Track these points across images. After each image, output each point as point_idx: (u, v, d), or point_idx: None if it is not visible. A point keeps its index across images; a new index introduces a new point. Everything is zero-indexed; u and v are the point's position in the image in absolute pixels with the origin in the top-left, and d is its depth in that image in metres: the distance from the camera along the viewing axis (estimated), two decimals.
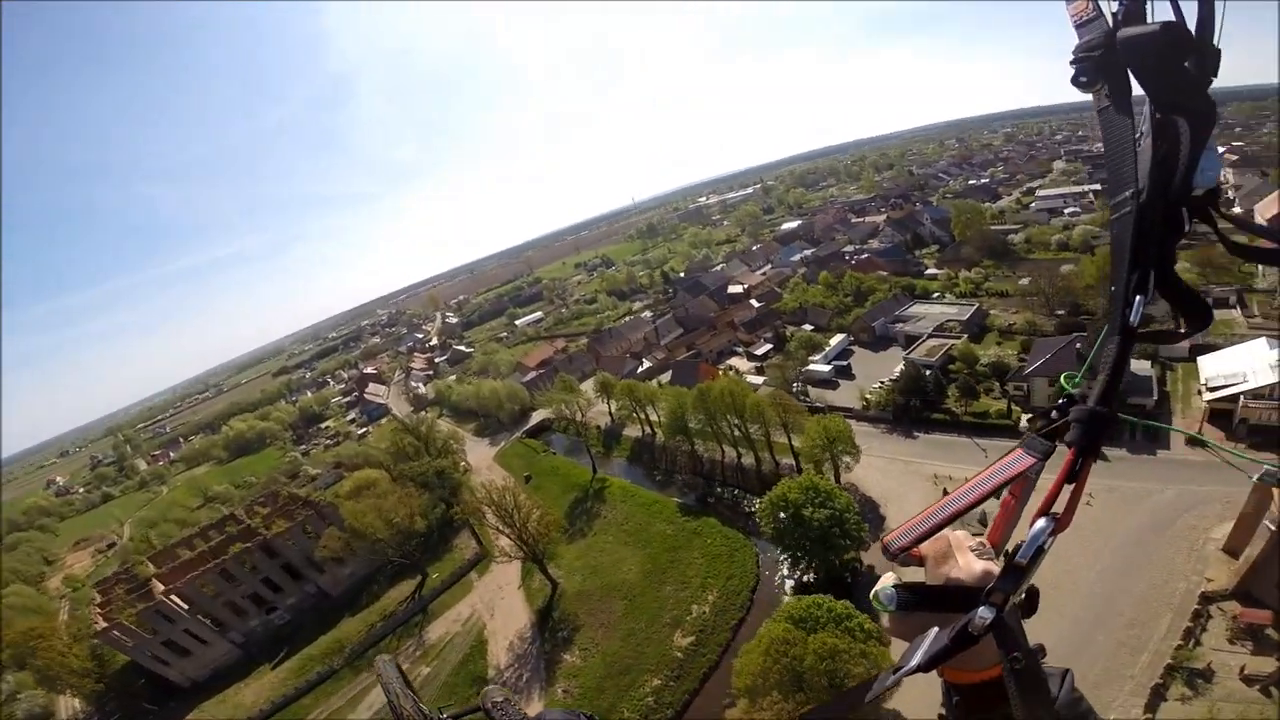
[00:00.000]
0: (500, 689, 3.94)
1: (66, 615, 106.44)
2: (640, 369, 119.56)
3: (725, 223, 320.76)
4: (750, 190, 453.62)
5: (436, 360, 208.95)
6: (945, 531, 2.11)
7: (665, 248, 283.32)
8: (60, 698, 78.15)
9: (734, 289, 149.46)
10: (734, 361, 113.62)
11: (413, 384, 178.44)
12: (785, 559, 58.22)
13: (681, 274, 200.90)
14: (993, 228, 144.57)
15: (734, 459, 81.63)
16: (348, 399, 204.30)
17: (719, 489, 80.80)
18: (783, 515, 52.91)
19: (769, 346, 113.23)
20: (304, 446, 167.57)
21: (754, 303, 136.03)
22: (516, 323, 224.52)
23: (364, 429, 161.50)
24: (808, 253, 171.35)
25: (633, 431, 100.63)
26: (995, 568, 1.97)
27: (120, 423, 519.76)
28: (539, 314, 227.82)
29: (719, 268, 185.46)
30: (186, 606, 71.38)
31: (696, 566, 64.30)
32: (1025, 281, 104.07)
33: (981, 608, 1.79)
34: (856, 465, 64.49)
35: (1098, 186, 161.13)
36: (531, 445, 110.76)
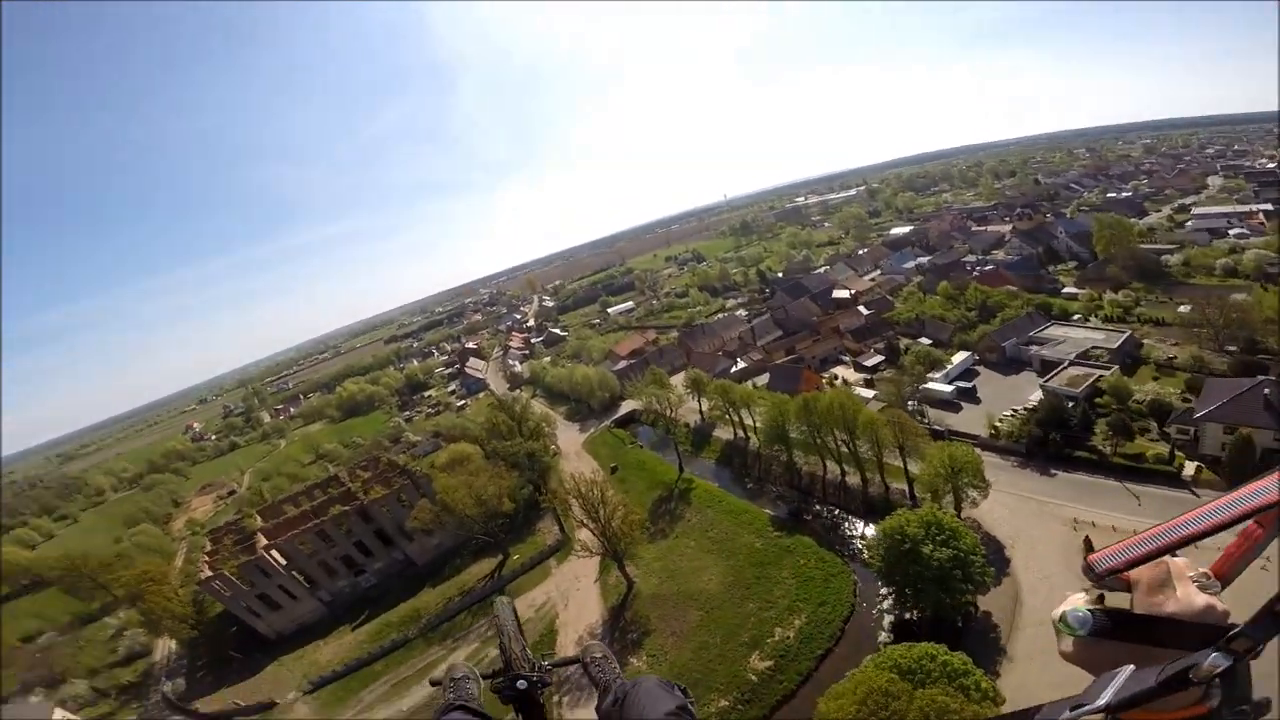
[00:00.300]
0: (600, 645, 4.12)
1: (182, 559, 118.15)
2: (734, 369, 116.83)
3: (826, 224, 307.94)
4: (853, 192, 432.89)
5: (532, 341, 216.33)
6: (1165, 558, 1.89)
7: (760, 246, 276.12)
8: (159, 640, 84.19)
9: (840, 293, 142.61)
10: (839, 371, 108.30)
11: (510, 362, 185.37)
12: (889, 593, 53.85)
13: (779, 274, 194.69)
14: (1143, 246, 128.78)
15: (836, 476, 77.53)
16: (449, 370, 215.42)
17: (817, 506, 76.59)
18: (903, 548, 48.96)
19: (880, 358, 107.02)
20: (407, 413, 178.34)
21: (862, 309, 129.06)
22: (608, 311, 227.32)
23: (463, 401, 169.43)
24: (923, 260, 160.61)
25: (724, 433, 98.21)
26: (1219, 605, 1.79)
27: (250, 376, 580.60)
28: (630, 304, 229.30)
29: (822, 270, 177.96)
30: (284, 562, 76.49)
31: (785, 586, 60.76)
32: (1187, 310, 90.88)
33: (1215, 653, 1.56)
34: (983, 500, 58.90)
35: (1268, 206, 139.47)
36: (619, 435, 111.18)
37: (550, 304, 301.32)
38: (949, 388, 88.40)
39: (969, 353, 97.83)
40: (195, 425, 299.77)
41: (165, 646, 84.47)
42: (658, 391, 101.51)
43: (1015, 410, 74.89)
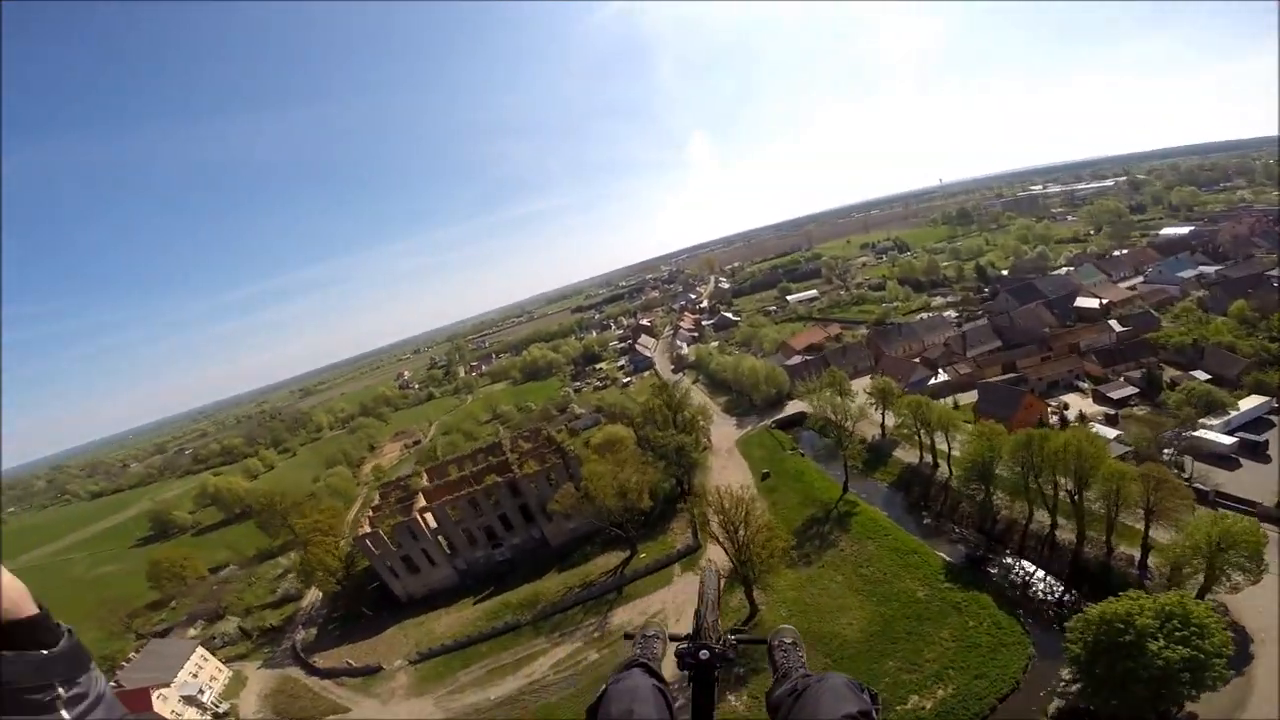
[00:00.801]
0: (792, 630, 4.02)
1: (357, 507, 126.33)
2: (933, 380, 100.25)
3: (1071, 218, 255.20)
4: (1110, 183, 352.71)
5: (704, 323, 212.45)
6: None
7: (982, 238, 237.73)
8: (310, 588, 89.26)
9: (1085, 302, 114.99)
10: (1073, 399, 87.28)
11: (678, 343, 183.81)
12: (1077, 680, 42.44)
13: (1004, 272, 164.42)
14: None
15: (1042, 526, 62.51)
16: (622, 345, 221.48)
17: (1008, 558, 62.72)
18: (1123, 639, 36.93)
19: (1131, 390, 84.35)
20: (577, 383, 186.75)
21: (1114, 324, 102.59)
22: (788, 298, 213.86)
23: (629, 378, 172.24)
24: (1208, 269, 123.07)
25: (907, 455, 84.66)
26: None
27: (460, 332, 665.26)
28: (814, 292, 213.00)
29: (1062, 271, 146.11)
30: (433, 526, 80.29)
31: (940, 649, 50.93)
32: None
33: None
34: (1249, 586, 43.95)
35: None
36: (779, 438, 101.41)
37: (726, 285, 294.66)
38: (1229, 439, 67.33)
39: (1268, 398, 73.64)
40: (406, 373, 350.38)
41: (313, 595, 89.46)
42: (833, 401, 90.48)
43: None
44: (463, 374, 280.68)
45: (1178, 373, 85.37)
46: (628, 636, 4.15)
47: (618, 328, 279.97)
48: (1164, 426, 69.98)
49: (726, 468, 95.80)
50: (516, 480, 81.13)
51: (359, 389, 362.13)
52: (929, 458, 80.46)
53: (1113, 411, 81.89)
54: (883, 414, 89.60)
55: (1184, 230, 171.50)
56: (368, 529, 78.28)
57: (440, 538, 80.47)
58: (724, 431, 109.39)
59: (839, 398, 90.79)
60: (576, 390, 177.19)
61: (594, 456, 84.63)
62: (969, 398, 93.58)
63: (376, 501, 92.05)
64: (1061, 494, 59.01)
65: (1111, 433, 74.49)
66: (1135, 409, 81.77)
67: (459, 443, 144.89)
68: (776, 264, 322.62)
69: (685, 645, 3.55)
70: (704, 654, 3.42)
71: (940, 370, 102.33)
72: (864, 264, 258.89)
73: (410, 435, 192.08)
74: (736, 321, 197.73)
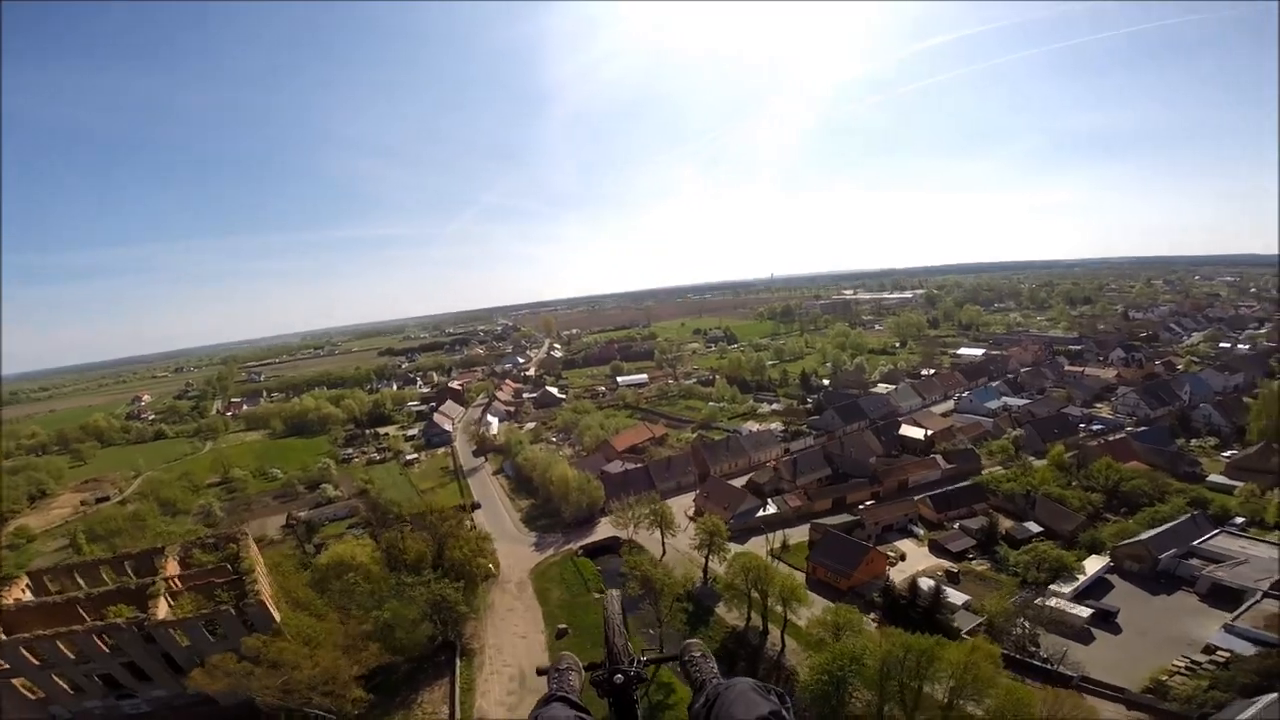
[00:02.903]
0: (700, 643, 4.09)
1: None
2: (761, 511, 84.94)
3: (879, 326, 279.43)
4: (910, 295, 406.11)
5: (525, 396, 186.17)
6: None
7: (803, 339, 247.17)
8: None
9: (910, 431, 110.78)
10: (908, 546, 77.23)
11: (489, 418, 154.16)
12: None
13: (826, 381, 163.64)
14: None
15: None
16: (422, 407, 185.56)
17: None
18: None
19: (969, 541, 75.99)
20: (349, 449, 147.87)
21: (940, 460, 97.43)
22: (619, 379, 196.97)
23: (416, 454, 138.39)
24: (1012, 403, 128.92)
25: (731, 614, 66.75)
26: None
27: (241, 353, 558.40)
28: (644, 377, 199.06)
29: (881, 389, 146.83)
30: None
31: None
32: None
33: None
34: None
35: None
36: (585, 570, 79.45)
37: (559, 354, 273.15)
38: (1084, 610, 61.22)
39: (1105, 559, 70.17)
40: (145, 397, 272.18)
41: None
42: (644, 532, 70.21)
43: (1188, 660, 53.76)
44: (214, 411, 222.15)
45: (1010, 523, 79.79)
46: (540, 672, 4.08)
47: (425, 383, 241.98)
48: (1009, 591, 64.41)
49: (514, 611, 71.70)
50: (153, 626, 49.56)
51: (79, 406, 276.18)
52: (759, 622, 63.25)
53: (953, 568, 72.57)
54: (708, 558, 71.09)
55: (978, 353, 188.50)
56: None
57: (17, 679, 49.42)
58: (519, 554, 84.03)
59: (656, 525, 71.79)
60: (346, 460, 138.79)
61: (287, 611, 54.45)
62: (799, 534, 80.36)
63: None
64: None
65: (959, 596, 64.54)
66: (974, 563, 74.04)
67: (148, 514, 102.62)
68: (613, 336, 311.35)
69: (600, 673, 3.60)
70: (618, 678, 3.47)
71: (769, 500, 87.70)
72: (694, 351, 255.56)
73: (102, 485, 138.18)
74: (560, 401, 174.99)
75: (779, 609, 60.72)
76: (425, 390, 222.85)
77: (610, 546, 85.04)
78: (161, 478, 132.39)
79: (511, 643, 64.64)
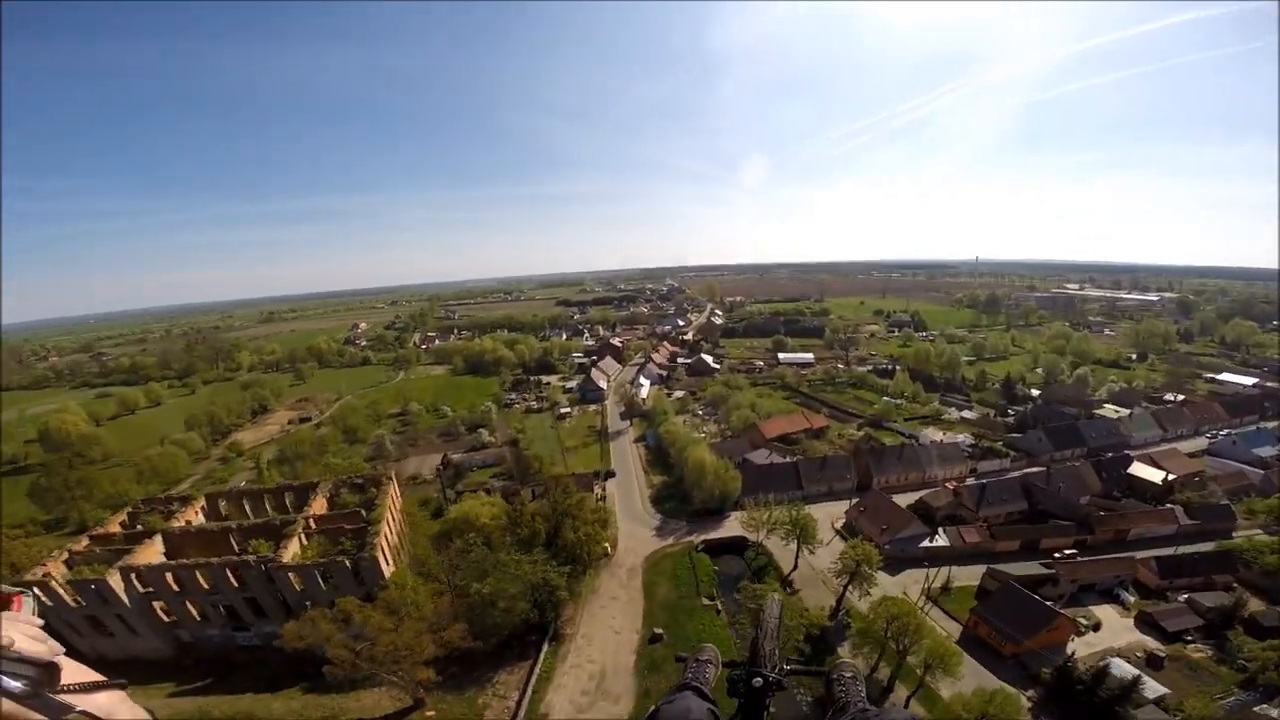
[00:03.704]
0: (853, 664, 4.06)
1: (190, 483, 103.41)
2: (928, 541, 72.35)
3: (1110, 331, 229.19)
4: (1155, 298, 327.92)
5: (679, 361, 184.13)
6: None
7: (1009, 337, 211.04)
8: None
9: (1143, 471, 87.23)
10: (1107, 614, 60.89)
11: (642, 379, 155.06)
12: None
13: (1035, 391, 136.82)
14: None
15: None
16: (584, 359, 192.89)
17: None
18: None
19: (1194, 621, 59.44)
20: (513, 395, 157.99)
21: (1179, 513, 75.41)
22: (780, 356, 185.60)
23: (570, 408, 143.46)
24: None
25: (854, 657, 56.87)
26: None
27: (443, 292, 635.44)
28: (810, 356, 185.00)
29: (1107, 411, 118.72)
30: (141, 591, 54.01)
31: None
32: None
33: None
34: None
35: None
36: (701, 568, 72.68)
37: (719, 321, 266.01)
38: None
39: None
40: (361, 325, 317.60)
41: None
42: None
43: None
44: (412, 344, 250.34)
45: (1261, 607, 59.92)
46: (679, 659, 4.10)
47: (591, 336, 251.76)
48: (1225, 688, 50.60)
49: (615, 600, 67.88)
50: (275, 568, 53.45)
51: (314, 329, 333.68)
52: (886, 670, 53.83)
53: (1160, 650, 55.70)
54: (846, 588, 62.03)
55: (1247, 381, 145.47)
56: (46, 570, 52.10)
57: (157, 603, 55.56)
58: (638, 536, 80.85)
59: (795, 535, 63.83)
60: (508, 405, 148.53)
61: (401, 569, 56.62)
62: (969, 575, 67.00)
63: (106, 526, 63.86)
64: None
65: (1156, 689, 49.82)
66: (1190, 648, 56.87)
67: (330, 441, 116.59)
68: (780, 309, 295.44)
69: (739, 672, 3.47)
70: (757, 681, 3.33)
71: (940, 528, 74.42)
72: (873, 334, 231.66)
73: (307, 407, 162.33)
74: (714, 370, 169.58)
75: (918, 670, 50.84)
76: (590, 343, 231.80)
77: (735, 546, 77.99)
78: (354, 404, 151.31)
79: (604, 636, 61.24)
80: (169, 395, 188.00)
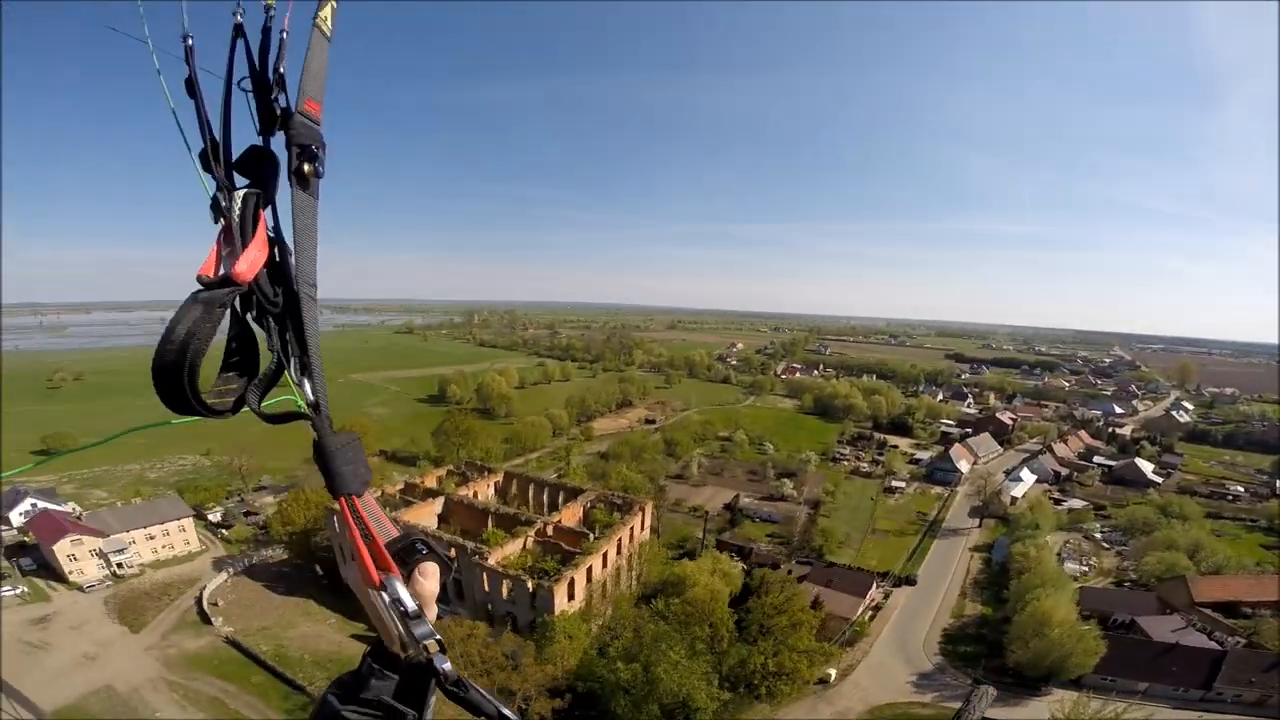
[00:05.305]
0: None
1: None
2: None
3: None
4: None
5: (1097, 461, 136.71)
6: None
7: None
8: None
9: None
10: None
11: (1023, 472, 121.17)
12: None
13: None
14: None
15: None
16: (954, 429, 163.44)
17: None
18: None
19: None
20: (845, 450, 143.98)
21: None
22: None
23: (904, 483, 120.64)
24: None
25: None
26: None
27: (825, 325, 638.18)
28: None
29: None
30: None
31: None
32: None
33: None
34: None
35: None
36: None
37: (1185, 417, 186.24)
38: None
39: None
40: (738, 345, 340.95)
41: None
42: None
43: None
44: (773, 372, 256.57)
45: None
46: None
47: (976, 404, 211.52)
48: None
49: None
50: (477, 563, 58.30)
51: (701, 340, 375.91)
52: None
53: None
54: None
55: None
56: (377, 495, 70.63)
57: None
58: (887, 673, 61.29)
59: None
60: (835, 459, 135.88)
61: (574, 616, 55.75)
62: None
63: (433, 473, 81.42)
64: None
65: None
66: None
67: (649, 449, 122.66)
68: None
69: None
70: None
71: None
72: None
73: (661, 408, 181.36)
74: (1151, 484, 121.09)
75: None
76: (971, 411, 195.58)
77: None
78: (692, 418, 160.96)
79: None
80: (578, 375, 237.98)
